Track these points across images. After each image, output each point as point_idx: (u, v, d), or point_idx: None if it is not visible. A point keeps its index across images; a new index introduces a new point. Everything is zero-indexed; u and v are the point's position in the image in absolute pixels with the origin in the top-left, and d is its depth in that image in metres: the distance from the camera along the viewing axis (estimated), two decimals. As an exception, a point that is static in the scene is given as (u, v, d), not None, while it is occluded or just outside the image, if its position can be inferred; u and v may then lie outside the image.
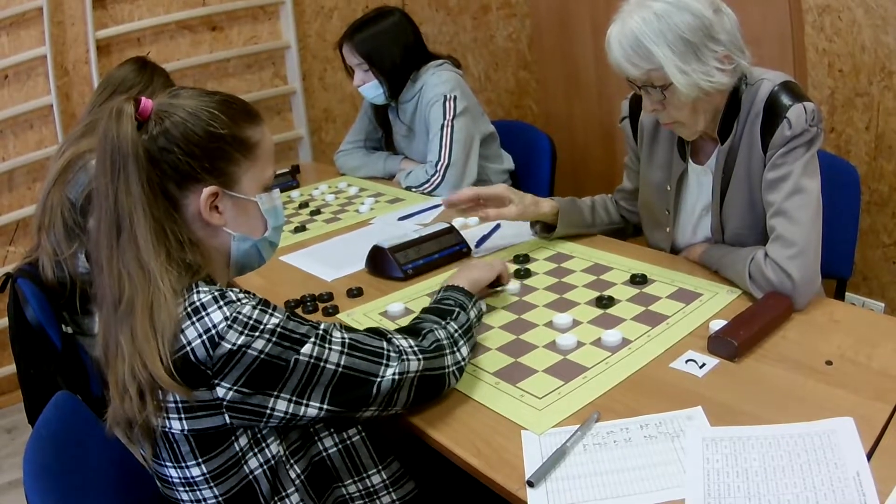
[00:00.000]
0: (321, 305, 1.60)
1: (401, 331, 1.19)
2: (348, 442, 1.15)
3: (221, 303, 0.99)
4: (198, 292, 1.01)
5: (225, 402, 0.99)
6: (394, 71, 2.39)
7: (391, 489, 1.18)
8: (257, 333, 0.98)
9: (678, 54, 1.38)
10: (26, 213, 2.72)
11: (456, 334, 1.22)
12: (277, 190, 1.19)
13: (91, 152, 1.85)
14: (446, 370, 1.16)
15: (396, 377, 1.09)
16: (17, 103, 2.71)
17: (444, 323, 1.23)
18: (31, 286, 1.81)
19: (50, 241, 1.84)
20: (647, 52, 1.38)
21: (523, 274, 1.64)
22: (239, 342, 0.97)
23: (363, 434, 1.17)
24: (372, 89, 2.41)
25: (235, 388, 0.98)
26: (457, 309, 1.28)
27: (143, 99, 1.06)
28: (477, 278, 1.44)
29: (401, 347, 1.12)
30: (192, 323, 0.98)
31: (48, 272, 1.83)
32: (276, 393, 1.01)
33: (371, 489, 1.16)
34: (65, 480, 1.05)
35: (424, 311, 1.29)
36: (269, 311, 1.02)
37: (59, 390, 1.21)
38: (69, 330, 1.86)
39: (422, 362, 1.13)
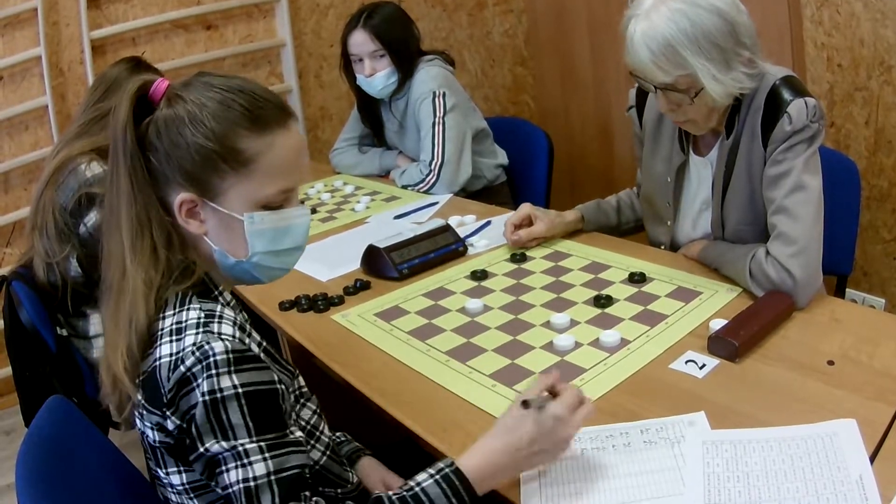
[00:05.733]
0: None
1: None
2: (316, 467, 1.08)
3: (199, 329, 0.92)
4: (188, 310, 0.95)
5: (175, 434, 0.92)
6: (408, 55, 2.39)
7: None
8: (209, 373, 0.88)
9: (713, 62, 1.34)
10: (22, 214, 2.71)
11: None
12: (296, 210, 1.03)
13: (83, 155, 1.84)
14: None
15: None
16: (12, 104, 2.70)
17: None
18: (25, 289, 1.80)
19: (42, 243, 1.83)
20: (681, 60, 1.34)
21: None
22: (194, 370, 0.88)
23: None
24: (383, 78, 2.38)
25: (182, 424, 0.91)
26: None
27: (160, 81, 0.99)
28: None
29: None
30: (171, 341, 0.92)
31: (40, 275, 1.82)
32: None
33: None
34: (57, 485, 1.03)
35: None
36: (239, 367, 0.90)
37: (55, 392, 1.20)
38: (64, 332, 1.85)
39: None
